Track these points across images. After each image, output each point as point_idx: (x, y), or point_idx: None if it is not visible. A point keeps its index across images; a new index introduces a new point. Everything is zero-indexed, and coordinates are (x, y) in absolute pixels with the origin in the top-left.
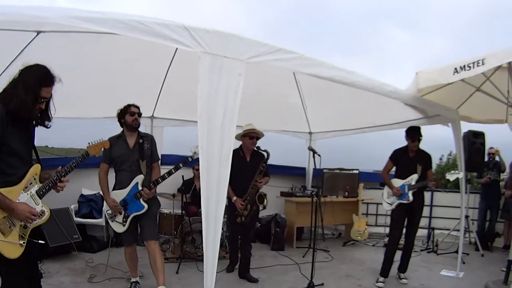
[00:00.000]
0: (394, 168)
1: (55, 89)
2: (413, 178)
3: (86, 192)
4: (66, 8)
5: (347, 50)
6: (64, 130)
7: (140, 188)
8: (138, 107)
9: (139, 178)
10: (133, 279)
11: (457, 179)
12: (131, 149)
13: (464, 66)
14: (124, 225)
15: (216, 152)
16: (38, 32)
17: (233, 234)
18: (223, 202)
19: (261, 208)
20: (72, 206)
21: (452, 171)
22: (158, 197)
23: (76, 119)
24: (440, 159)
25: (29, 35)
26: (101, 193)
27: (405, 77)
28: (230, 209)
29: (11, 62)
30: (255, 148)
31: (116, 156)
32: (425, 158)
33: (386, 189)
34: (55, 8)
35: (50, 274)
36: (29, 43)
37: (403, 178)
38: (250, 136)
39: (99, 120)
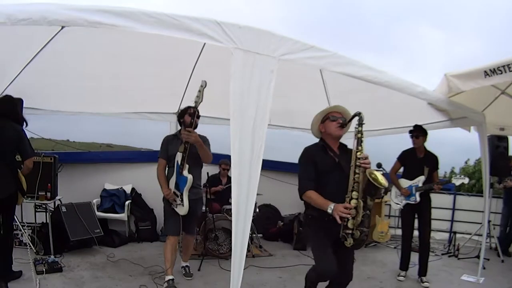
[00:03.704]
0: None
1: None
2: (420, 180)
3: (108, 186)
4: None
5: (377, 49)
6: (85, 124)
7: (179, 163)
8: (196, 108)
9: (178, 156)
10: (168, 277)
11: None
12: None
13: (495, 69)
14: (183, 205)
15: (248, 150)
16: (63, 27)
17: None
18: (253, 200)
19: (382, 193)
20: (94, 201)
21: (458, 176)
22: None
23: (97, 114)
24: (466, 162)
25: (53, 29)
26: (124, 187)
27: (434, 77)
28: (321, 234)
29: (35, 56)
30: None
31: (171, 154)
32: (432, 160)
33: (394, 189)
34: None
35: (70, 268)
36: (53, 37)
37: (410, 179)
38: (334, 117)
39: (121, 116)
